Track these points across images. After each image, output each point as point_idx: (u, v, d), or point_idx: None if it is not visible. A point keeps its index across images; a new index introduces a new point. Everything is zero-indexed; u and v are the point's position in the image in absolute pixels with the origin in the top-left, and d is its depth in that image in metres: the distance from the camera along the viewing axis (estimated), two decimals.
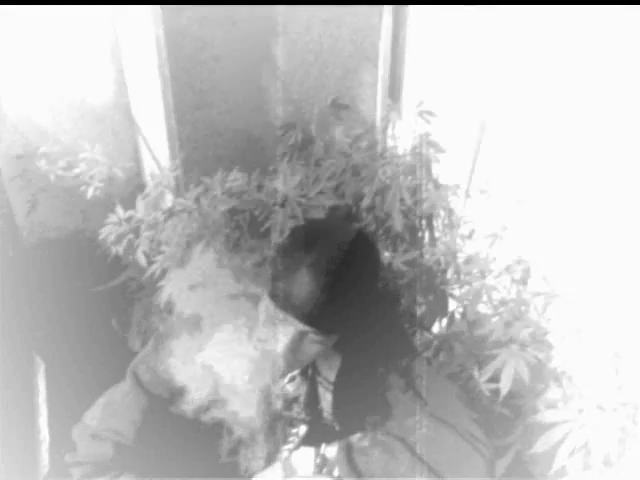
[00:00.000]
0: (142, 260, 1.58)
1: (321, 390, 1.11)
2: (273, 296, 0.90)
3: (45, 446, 1.61)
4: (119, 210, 1.63)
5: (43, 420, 1.64)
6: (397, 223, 1.60)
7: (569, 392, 1.16)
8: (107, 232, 1.62)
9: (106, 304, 1.87)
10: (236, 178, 1.60)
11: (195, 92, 1.94)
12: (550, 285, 1.35)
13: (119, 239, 1.61)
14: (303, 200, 1.46)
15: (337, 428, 1.12)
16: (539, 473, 1.28)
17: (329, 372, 1.09)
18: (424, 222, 1.72)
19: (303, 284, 0.87)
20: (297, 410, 1.11)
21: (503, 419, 1.33)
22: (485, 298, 1.41)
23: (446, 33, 1.77)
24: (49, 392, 1.69)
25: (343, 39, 2.03)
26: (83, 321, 1.90)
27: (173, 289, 0.98)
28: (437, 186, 1.73)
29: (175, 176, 1.77)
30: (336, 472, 1.04)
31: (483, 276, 1.46)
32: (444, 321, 1.60)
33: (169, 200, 1.76)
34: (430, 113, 1.71)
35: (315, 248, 0.90)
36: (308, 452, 1.07)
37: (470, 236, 1.67)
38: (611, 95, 1.22)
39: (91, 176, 1.71)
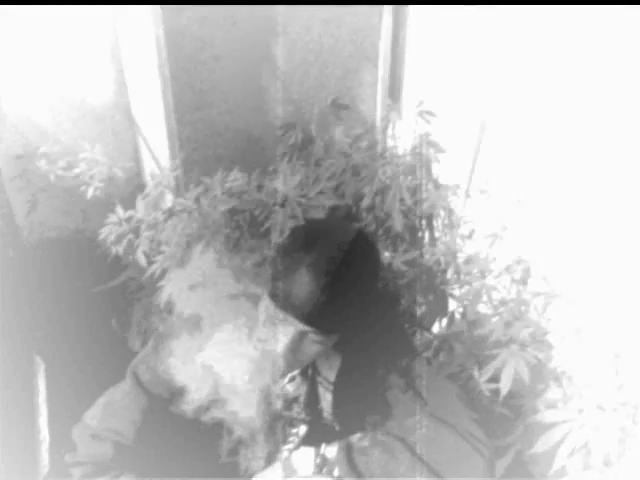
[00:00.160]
0: (142, 260, 1.58)
1: (321, 390, 1.11)
2: (273, 296, 0.90)
3: (45, 446, 1.61)
4: (119, 210, 1.63)
5: (43, 420, 1.64)
6: (397, 223, 1.60)
7: (569, 392, 1.16)
8: (107, 232, 1.62)
9: (106, 304, 1.87)
10: (236, 178, 1.60)
11: (195, 92, 1.94)
12: (550, 285, 1.35)
13: (119, 239, 1.61)
14: (303, 200, 1.46)
15: (337, 428, 1.12)
16: (539, 473, 1.28)
17: (329, 372, 1.09)
18: (424, 222, 1.72)
19: (303, 284, 0.87)
20: (297, 410, 1.11)
21: (503, 419, 1.33)
22: (485, 298, 1.41)
23: (446, 33, 1.77)
24: (49, 392, 1.69)
25: (343, 39, 2.03)
26: (83, 321, 1.90)
27: (173, 289, 0.98)
28: (437, 186, 1.73)
29: (175, 176, 1.77)
30: (336, 472, 1.04)
31: (483, 276, 1.46)
32: (444, 321, 1.60)
33: (169, 200, 1.76)
34: (430, 113, 1.71)
35: (315, 248, 0.90)
36: (308, 452, 1.07)
37: (470, 236, 1.67)
38: (611, 95, 1.22)
39: (91, 176, 1.71)
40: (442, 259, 1.55)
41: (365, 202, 1.62)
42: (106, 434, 1.04)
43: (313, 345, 0.95)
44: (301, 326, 0.90)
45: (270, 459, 1.07)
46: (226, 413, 0.96)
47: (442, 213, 1.71)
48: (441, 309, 1.58)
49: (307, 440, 1.10)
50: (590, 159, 1.29)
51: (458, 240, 1.64)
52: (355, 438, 1.06)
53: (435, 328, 1.67)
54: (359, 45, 2.06)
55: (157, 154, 1.92)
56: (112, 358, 1.33)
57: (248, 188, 1.57)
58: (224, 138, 2.05)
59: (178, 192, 1.78)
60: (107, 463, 1.03)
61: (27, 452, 1.58)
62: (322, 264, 0.88)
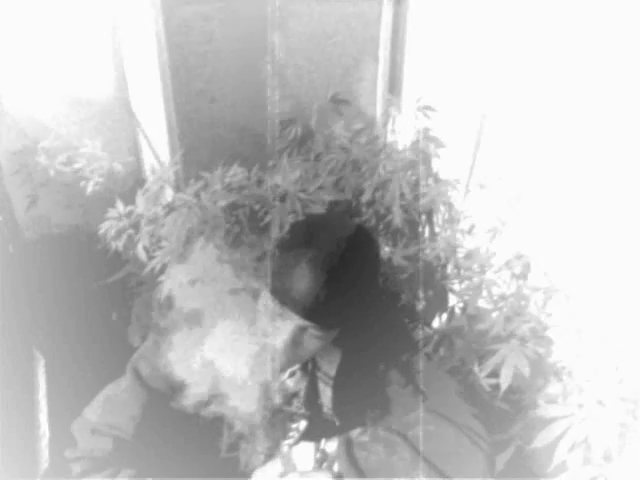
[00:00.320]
0: (142, 255, 1.58)
1: (321, 385, 1.11)
2: (273, 291, 0.89)
3: (45, 441, 1.61)
4: (119, 205, 1.63)
5: (43, 415, 1.64)
6: (397, 218, 1.60)
7: (569, 387, 1.16)
8: (107, 227, 1.62)
9: (106, 299, 1.87)
10: (236, 173, 1.59)
11: (195, 87, 1.93)
12: (550, 280, 1.35)
13: (119, 234, 1.61)
14: (303, 195, 1.46)
15: (337, 423, 1.12)
16: (539, 468, 1.28)
17: (329, 367, 1.09)
18: (424, 217, 1.72)
19: (303, 279, 0.87)
20: (297, 405, 1.11)
21: (503, 414, 1.33)
22: (485, 293, 1.41)
23: (446, 28, 1.76)
24: (49, 387, 1.68)
25: (343, 34, 2.02)
26: (83, 316, 1.90)
27: (173, 284, 0.98)
28: (437, 181, 1.73)
29: (175, 171, 1.77)
30: (336, 467, 1.04)
31: (483, 271, 1.46)
32: (444, 316, 1.60)
33: (169, 195, 1.76)
34: (430, 108, 1.71)
35: (315, 243, 0.90)
36: (308, 447, 1.07)
37: (470, 231, 1.67)
38: (611, 90, 1.22)
39: (91, 171, 1.71)
40: (442, 254, 1.55)
41: (365, 197, 1.62)
42: (106, 429, 1.04)
43: (313, 340, 0.95)
44: (301, 321, 0.90)
45: (270, 454, 1.07)
46: (226, 408, 0.96)
47: (442, 208, 1.71)
48: (441, 304, 1.58)
49: (307, 435, 1.10)
50: (590, 154, 1.29)
51: (458, 235, 1.64)
52: (355, 433, 1.06)
53: (435, 323, 1.67)
54: (359, 40, 2.05)
55: (157, 149, 1.92)
56: (112, 353, 1.33)
57: (248, 183, 1.56)
58: (224, 133, 2.04)
59: (178, 187, 1.77)
60: (107, 458, 1.04)
61: (27, 447, 1.58)
62: (322, 259, 0.88)
